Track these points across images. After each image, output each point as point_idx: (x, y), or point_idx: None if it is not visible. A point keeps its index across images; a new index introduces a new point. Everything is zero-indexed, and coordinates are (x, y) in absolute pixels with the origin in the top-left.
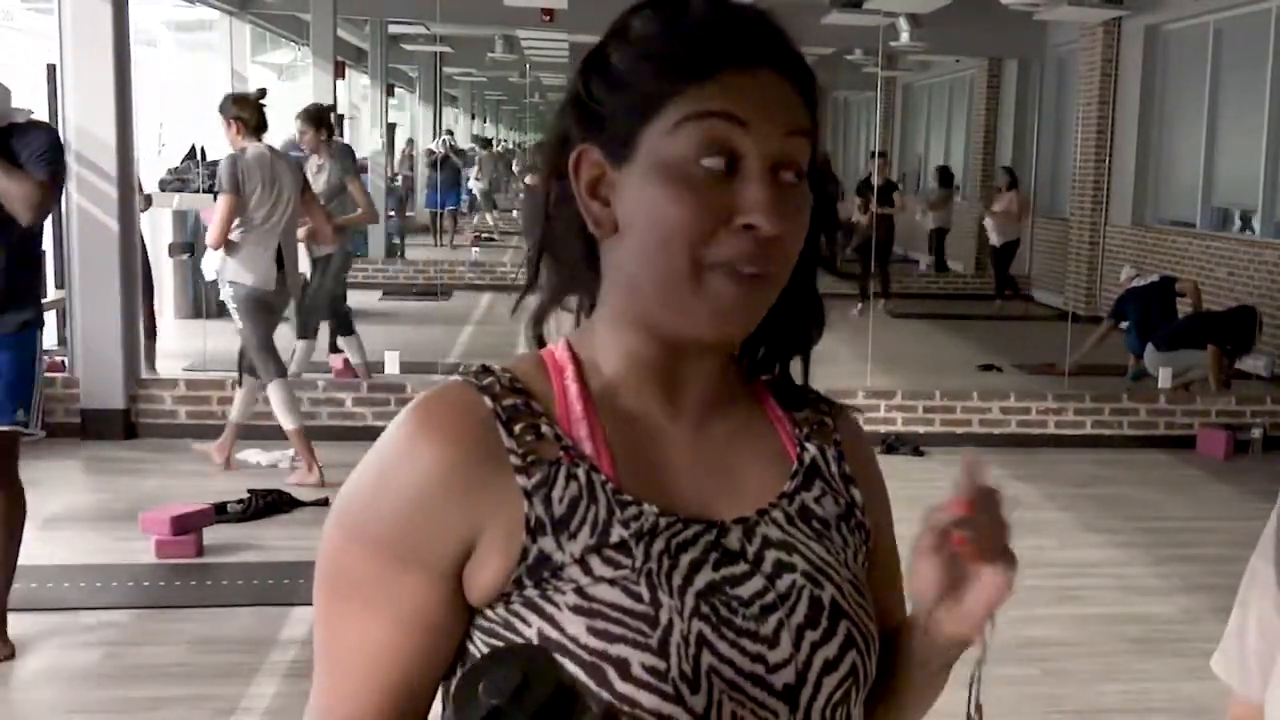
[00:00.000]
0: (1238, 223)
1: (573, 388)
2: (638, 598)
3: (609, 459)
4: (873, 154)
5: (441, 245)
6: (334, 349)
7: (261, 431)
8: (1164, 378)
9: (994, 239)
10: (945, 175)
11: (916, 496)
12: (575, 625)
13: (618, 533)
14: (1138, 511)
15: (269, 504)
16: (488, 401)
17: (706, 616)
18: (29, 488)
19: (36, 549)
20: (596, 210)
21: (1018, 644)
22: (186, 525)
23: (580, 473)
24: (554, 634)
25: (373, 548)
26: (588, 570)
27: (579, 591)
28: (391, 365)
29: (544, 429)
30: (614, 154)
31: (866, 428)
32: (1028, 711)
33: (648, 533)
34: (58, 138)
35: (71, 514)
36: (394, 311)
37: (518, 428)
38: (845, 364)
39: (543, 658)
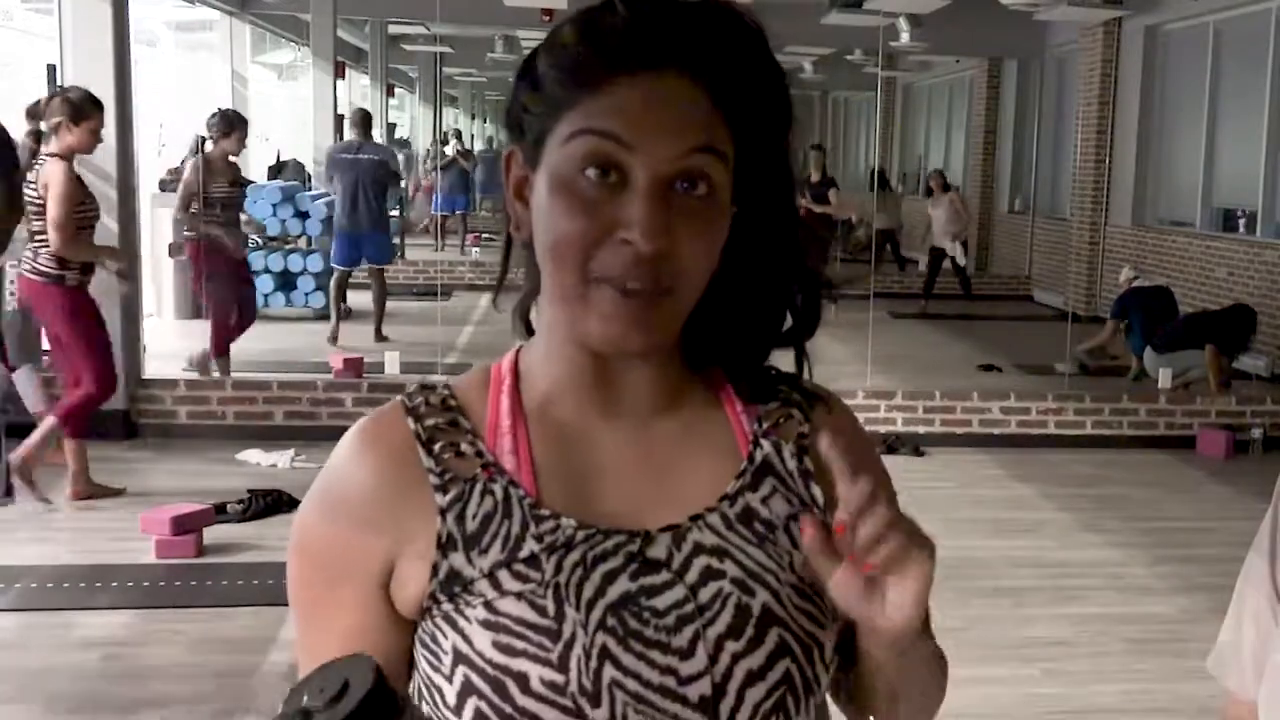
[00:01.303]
0: (1242, 228)
1: (504, 401)
2: (542, 611)
3: (530, 473)
4: (814, 146)
5: (447, 248)
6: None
7: (261, 431)
8: (1164, 378)
9: (947, 246)
10: (880, 178)
11: (917, 497)
12: (482, 639)
13: (529, 547)
14: (1137, 512)
15: (269, 504)
16: (410, 423)
17: (613, 629)
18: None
19: (36, 549)
20: (519, 212)
21: (1017, 644)
22: (186, 525)
23: (497, 488)
24: (464, 648)
25: (315, 566)
26: (496, 585)
27: (487, 606)
28: (391, 365)
29: (464, 447)
30: (529, 158)
31: (866, 429)
32: (1027, 712)
33: (562, 546)
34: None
35: (71, 514)
36: (394, 311)
37: (437, 447)
38: (845, 364)
39: (365, 666)
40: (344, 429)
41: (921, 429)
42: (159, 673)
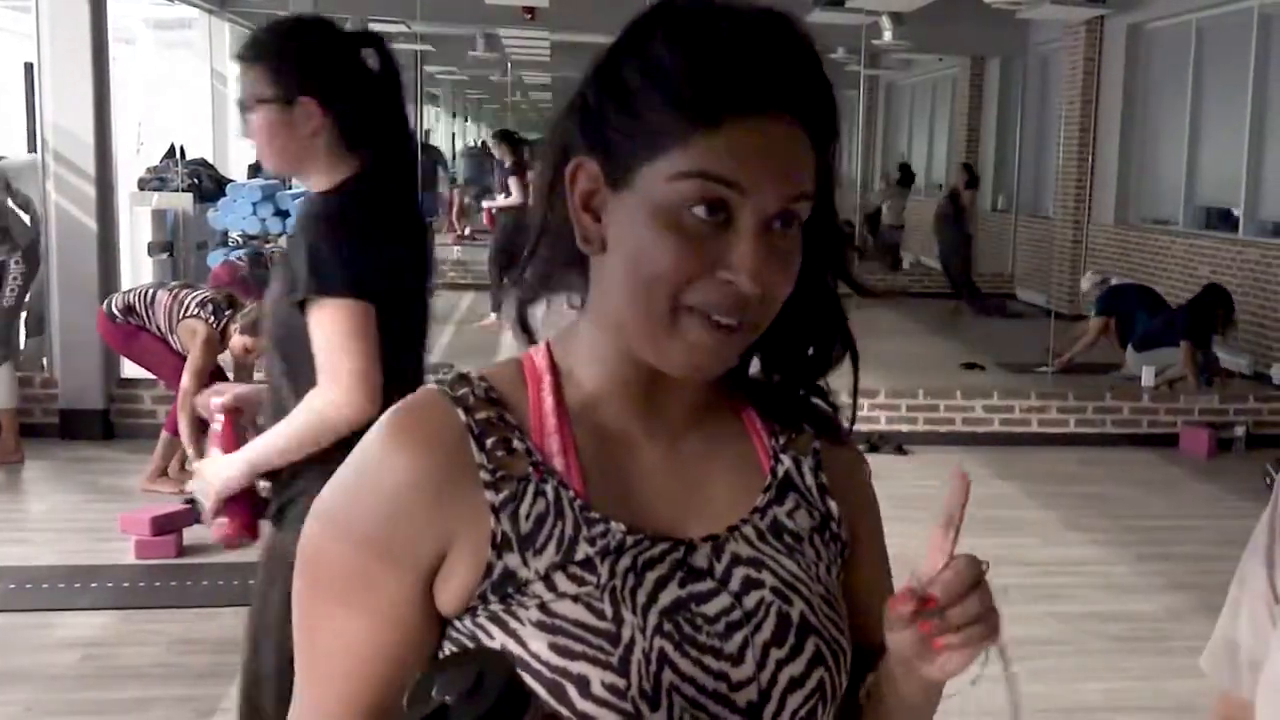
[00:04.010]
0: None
1: (548, 400)
2: (600, 615)
3: (579, 475)
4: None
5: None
6: None
7: None
8: (1147, 376)
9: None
10: (906, 173)
11: (900, 495)
12: (537, 642)
13: (583, 550)
14: (1120, 510)
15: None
16: (461, 415)
17: (669, 634)
18: (6, 490)
19: (15, 550)
20: (587, 224)
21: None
22: (166, 526)
23: (549, 489)
24: (517, 649)
25: (351, 546)
26: (552, 587)
27: (542, 608)
28: None
29: (515, 444)
30: (612, 177)
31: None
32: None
33: (614, 550)
34: None
35: (50, 515)
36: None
37: (489, 442)
38: None
39: (499, 662)
40: None
41: (904, 427)
42: (139, 673)
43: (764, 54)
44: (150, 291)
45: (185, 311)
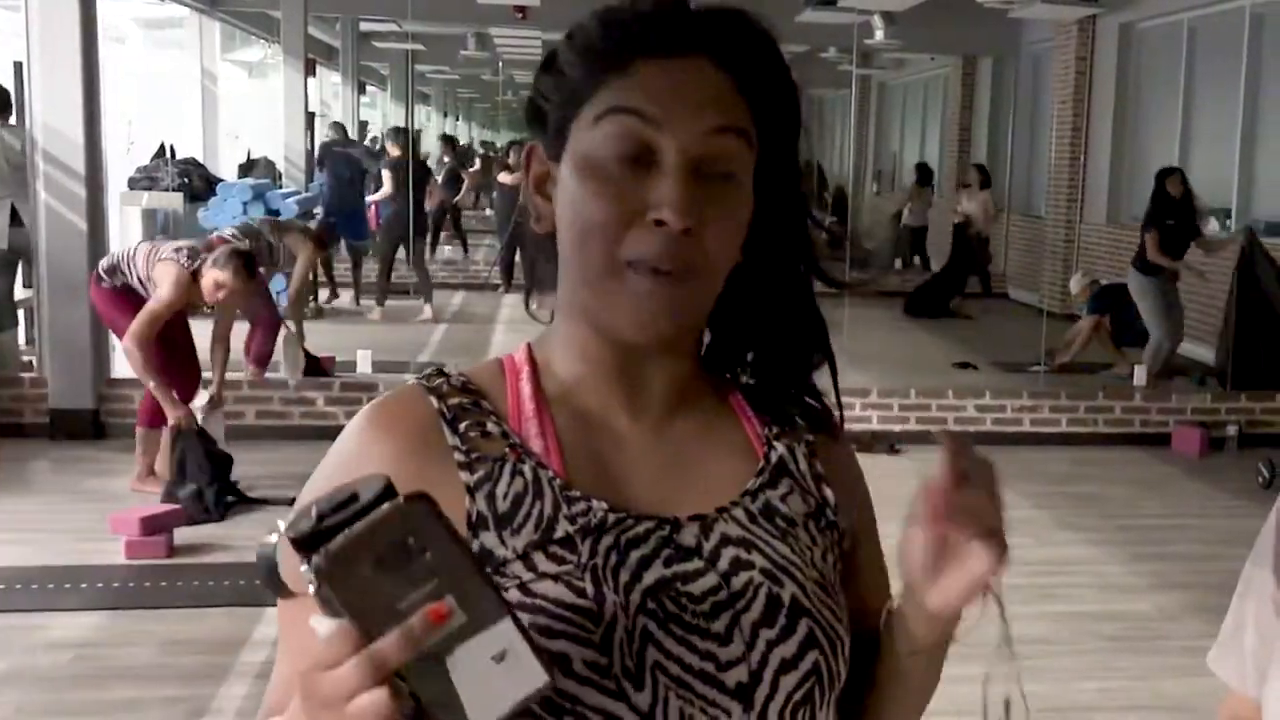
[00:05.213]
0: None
1: (525, 388)
2: (581, 593)
3: (559, 456)
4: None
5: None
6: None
7: (232, 431)
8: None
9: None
10: (923, 173)
11: (892, 495)
12: None
13: (563, 528)
14: (1113, 509)
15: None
16: (433, 401)
17: (653, 613)
18: None
19: (6, 550)
20: (540, 205)
21: (995, 641)
22: (156, 526)
23: (526, 469)
24: None
25: None
26: (531, 566)
27: (522, 587)
28: (364, 364)
29: (490, 427)
30: (551, 148)
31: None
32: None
33: (595, 528)
34: None
35: (40, 515)
36: (367, 309)
37: (463, 425)
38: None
39: (375, 477)
40: (315, 429)
41: (897, 427)
42: (130, 674)
43: (676, 9)
44: (132, 247)
45: (160, 255)
